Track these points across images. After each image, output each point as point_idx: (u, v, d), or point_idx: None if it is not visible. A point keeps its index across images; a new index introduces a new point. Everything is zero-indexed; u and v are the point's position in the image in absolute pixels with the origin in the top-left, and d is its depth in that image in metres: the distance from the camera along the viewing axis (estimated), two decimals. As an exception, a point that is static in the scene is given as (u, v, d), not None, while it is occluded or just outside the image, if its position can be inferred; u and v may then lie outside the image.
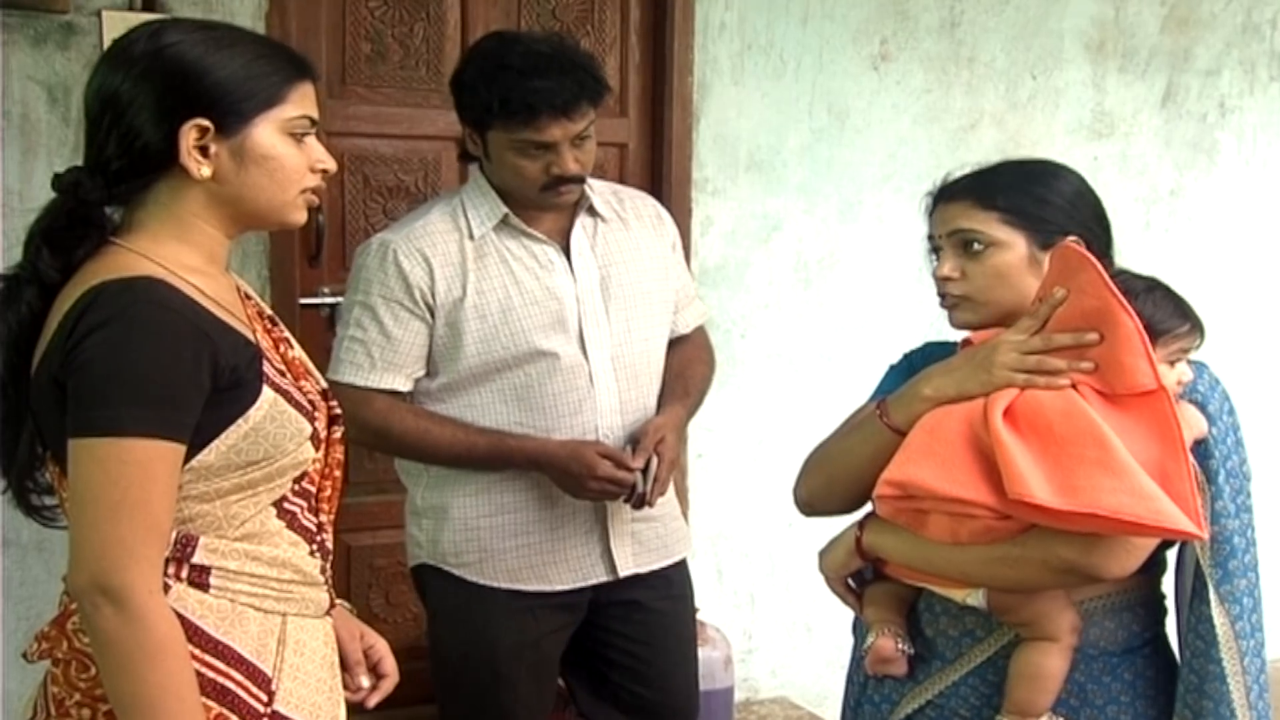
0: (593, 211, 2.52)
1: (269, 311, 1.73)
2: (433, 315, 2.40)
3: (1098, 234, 1.83)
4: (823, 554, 1.93)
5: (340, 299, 3.30)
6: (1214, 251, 4.36)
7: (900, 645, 1.85)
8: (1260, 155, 4.45)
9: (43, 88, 2.99)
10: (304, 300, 3.29)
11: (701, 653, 3.25)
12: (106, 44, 2.97)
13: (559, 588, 2.50)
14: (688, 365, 2.62)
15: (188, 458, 1.48)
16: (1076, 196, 1.84)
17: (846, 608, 1.96)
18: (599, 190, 2.56)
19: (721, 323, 3.75)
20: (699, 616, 3.35)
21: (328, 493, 1.69)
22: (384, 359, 2.40)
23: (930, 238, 1.89)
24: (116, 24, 2.98)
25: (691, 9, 3.59)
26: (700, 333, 2.72)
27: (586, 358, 2.45)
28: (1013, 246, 1.79)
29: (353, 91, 3.33)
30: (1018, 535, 1.66)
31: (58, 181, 1.56)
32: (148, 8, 3.01)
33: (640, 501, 2.41)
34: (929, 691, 1.85)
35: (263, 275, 3.18)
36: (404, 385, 2.43)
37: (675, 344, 2.63)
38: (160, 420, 1.44)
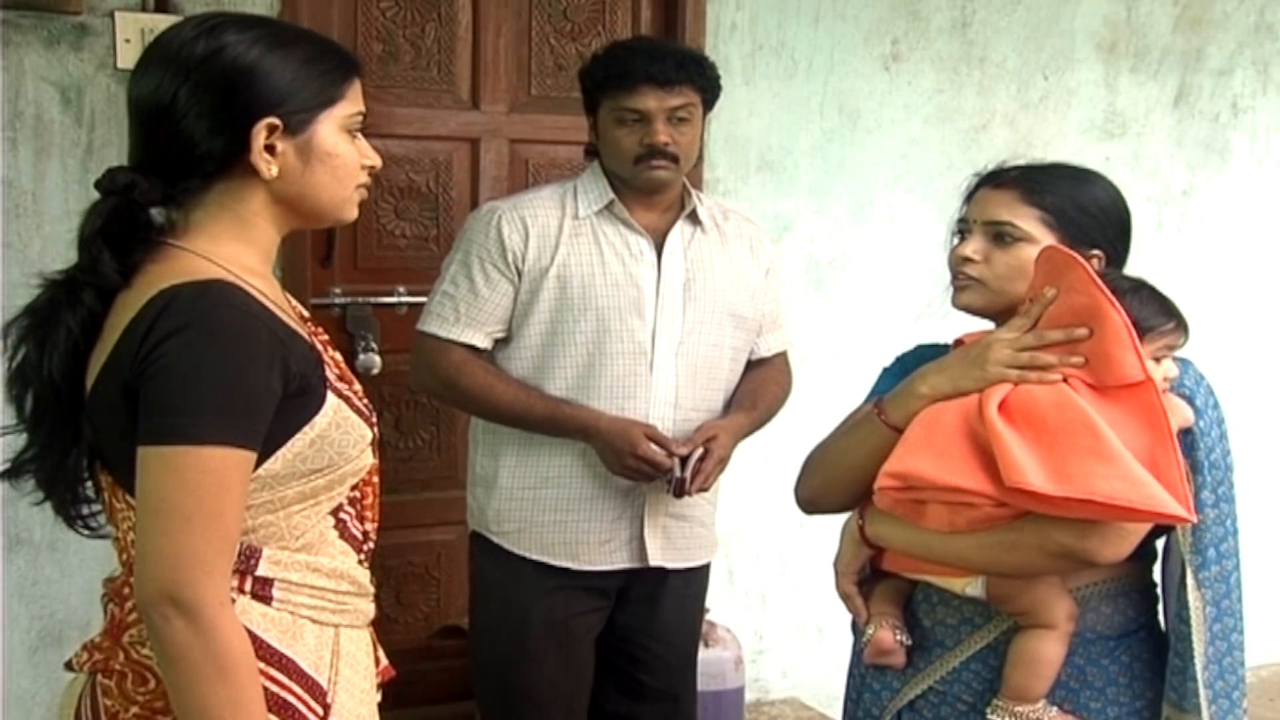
0: (695, 219, 2.65)
1: (306, 314, 1.70)
2: (520, 278, 2.54)
3: (1118, 250, 1.87)
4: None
5: (351, 299, 3.36)
6: (1226, 252, 4.35)
7: (899, 637, 1.89)
8: (1273, 155, 4.44)
9: (56, 89, 3.00)
10: (315, 301, 3.30)
11: (712, 653, 3.26)
12: (120, 45, 2.99)
13: (587, 567, 2.59)
14: (761, 384, 2.73)
15: (255, 466, 1.45)
16: (1112, 208, 1.88)
17: (847, 609, 1.97)
18: (707, 204, 2.71)
19: (732, 323, 3.76)
20: (710, 617, 3.37)
21: (369, 500, 1.66)
22: (469, 315, 2.55)
23: (963, 219, 1.91)
24: (129, 25, 2.99)
25: (703, 9, 3.59)
26: (781, 359, 2.82)
27: (652, 347, 2.56)
28: (1040, 245, 1.81)
29: (364, 92, 3.32)
30: (1014, 522, 1.70)
31: (108, 182, 1.51)
32: (161, 9, 3.01)
33: (680, 490, 2.48)
34: (930, 678, 1.89)
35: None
36: (483, 342, 2.56)
37: (755, 365, 2.75)
38: (236, 428, 1.41)
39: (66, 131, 3.01)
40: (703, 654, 3.25)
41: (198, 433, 1.39)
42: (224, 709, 1.41)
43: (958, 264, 1.88)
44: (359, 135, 1.61)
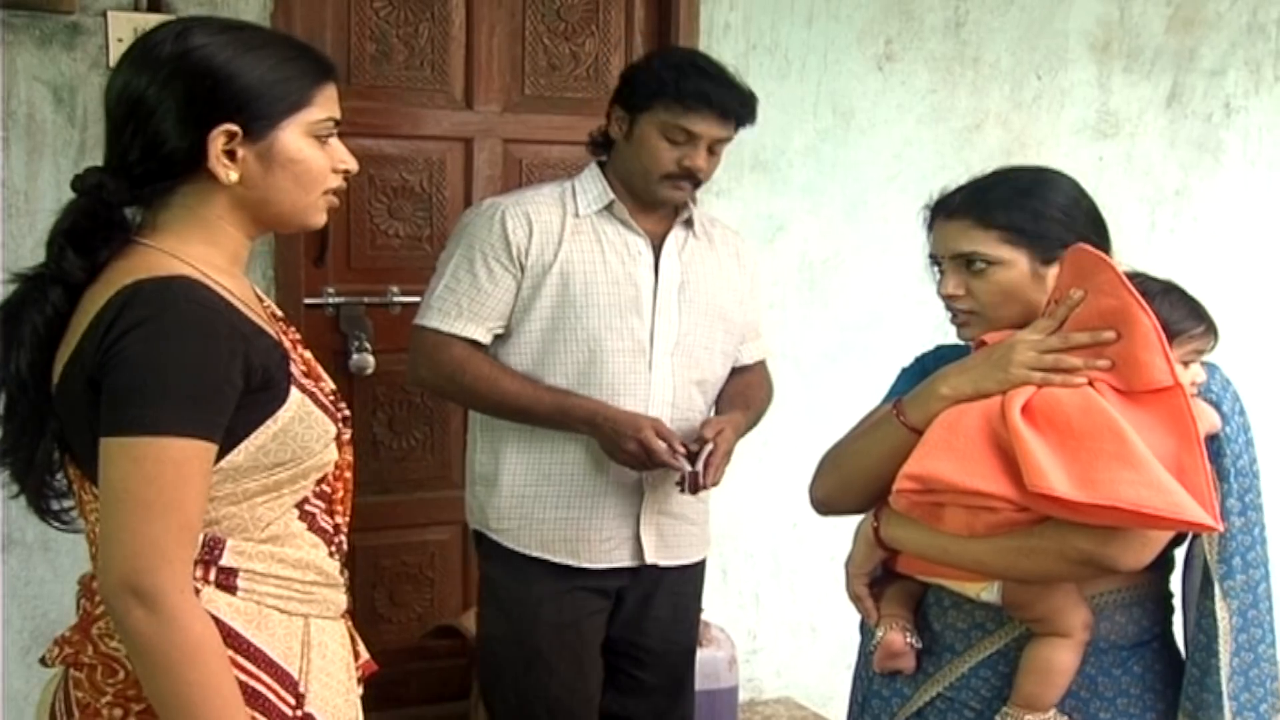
0: (689, 225, 2.68)
1: (279, 313, 1.73)
2: (522, 273, 2.54)
3: (1096, 241, 1.83)
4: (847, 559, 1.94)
5: (344, 299, 3.36)
6: (1219, 252, 4.35)
7: (909, 639, 1.87)
8: (1265, 155, 4.44)
9: (48, 88, 2.99)
10: (309, 300, 3.30)
11: (706, 653, 3.26)
12: (112, 44, 2.98)
13: (588, 565, 2.60)
14: (749, 387, 2.77)
15: (217, 458, 1.47)
16: (1072, 206, 1.85)
17: (856, 610, 1.96)
18: (696, 212, 2.73)
19: (726, 323, 3.75)
20: (704, 617, 3.36)
21: (340, 494, 1.69)
22: (471, 309, 2.54)
23: (932, 255, 1.90)
24: (122, 24, 2.99)
25: (696, 9, 3.59)
26: (762, 366, 2.86)
27: (651, 346, 2.58)
28: (1015, 264, 1.81)
29: (357, 91, 3.33)
30: (1034, 527, 1.68)
31: (79, 182, 1.54)
32: (153, 8, 3.01)
33: (695, 485, 2.50)
34: (939, 684, 1.87)
35: (268, 275, 3.18)
36: (484, 337, 2.56)
37: (738, 372, 2.78)
38: (196, 420, 1.43)
39: (59, 131, 3.01)
40: (697, 654, 3.25)
41: (157, 424, 1.41)
42: (193, 693, 1.43)
43: (946, 303, 1.87)
44: (331, 140, 1.61)
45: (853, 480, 1.87)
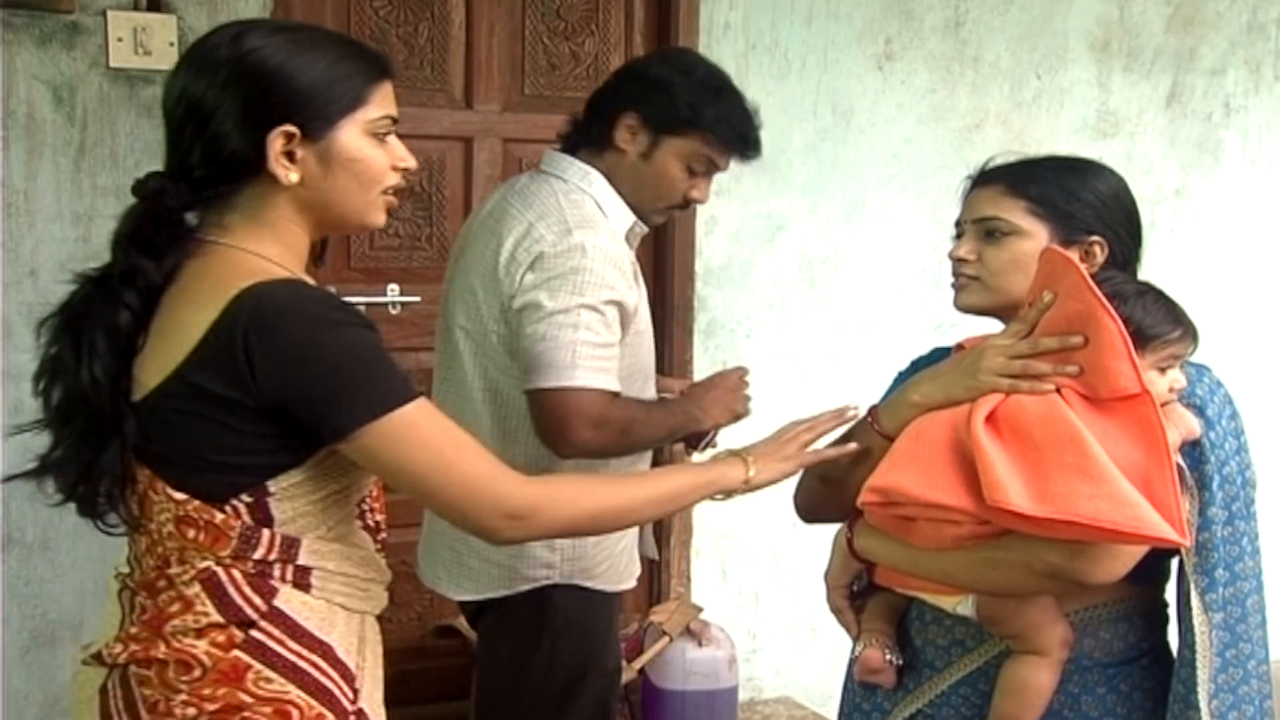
0: None
1: None
2: (630, 317, 2.34)
3: (1125, 239, 1.79)
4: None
5: (343, 299, 3.34)
6: (1219, 251, 4.36)
7: (888, 656, 1.83)
8: (1265, 154, 4.44)
9: (48, 87, 2.99)
10: (308, 300, 3.30)
11: (705, 652, 3.27)
12: (112, 43, 2.98)
13: (632, 583, 2.58)
14: None
15: (304, 459, 1.51)
16: (1111, 198, 1.80)
17: (838, 623, 1.94)
18: None
19: (726, 322, 3.75)
20: (703, 616, 3.37)
21: (375, 491, 1.69)
22: (613, 361, 2.30)
23: (958, 222, 1.86)
24: (121, 23, 2.98)
25: (696, 9, 3.59)
26: None
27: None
28: (1033, 236, 1.76)
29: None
30: (1001, 539, 1.64)
31: (140, 187, 1.54)
32: (153, 7, 3.01)
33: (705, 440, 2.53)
34: (919, 700, 1.83)
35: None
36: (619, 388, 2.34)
37: None
38: (408, 386, 1.51)
39: (59, 130, 3.00)
40: (696, 653, 3.27)
41: (399, 396, 1.49)
42: (650, 495, 1.71)
43: (954, 266, 1.83)
44: (390, 138, 1.63)
45: (831, 488, 1.85)
